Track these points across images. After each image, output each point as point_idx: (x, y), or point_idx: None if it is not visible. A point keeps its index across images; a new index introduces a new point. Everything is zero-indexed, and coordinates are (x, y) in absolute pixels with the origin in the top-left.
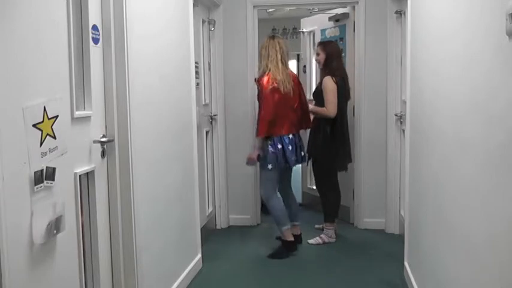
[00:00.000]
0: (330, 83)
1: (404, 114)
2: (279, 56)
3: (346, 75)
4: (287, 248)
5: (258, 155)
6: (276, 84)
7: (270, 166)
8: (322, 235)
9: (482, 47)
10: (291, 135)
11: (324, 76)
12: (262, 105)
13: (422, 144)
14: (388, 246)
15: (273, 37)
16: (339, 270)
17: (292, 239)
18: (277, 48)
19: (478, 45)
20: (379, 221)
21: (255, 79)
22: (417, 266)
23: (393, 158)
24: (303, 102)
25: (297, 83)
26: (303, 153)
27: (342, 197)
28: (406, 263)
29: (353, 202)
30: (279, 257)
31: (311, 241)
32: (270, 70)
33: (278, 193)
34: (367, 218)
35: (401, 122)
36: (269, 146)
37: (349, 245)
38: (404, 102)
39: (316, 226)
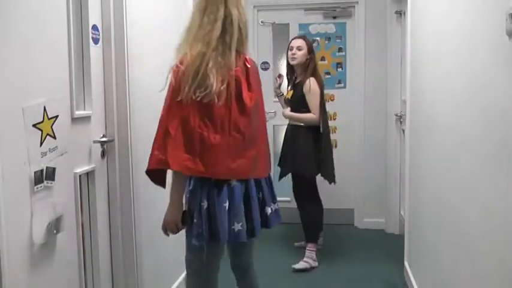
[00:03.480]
0: (315, 86)
1: (404, 114)
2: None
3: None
4: None
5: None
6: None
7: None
8: (306, 259)
9: (483, 47)
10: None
11: (304, 77)
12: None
13: (422, 144)
14: (388, 246)
15: None
16: (339, 270)
17: None
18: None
19: (478, 45)
20: (379, 221)
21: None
22: (417, 266)
23: (393, 158)
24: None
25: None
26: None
27: (343, 198)
28: (406, 263)
29: (353, 202)
30: None
31: (297, 266)
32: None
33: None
34: (367, 218)
35: (401, 122)
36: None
37: (349, 245)
38: (404, 102)
39: (296, 244)
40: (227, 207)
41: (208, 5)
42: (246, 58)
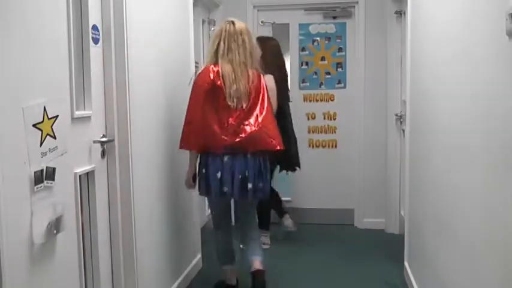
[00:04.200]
0: (271, 83)
1: (404, 114)
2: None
3: (286, 75)
4: None
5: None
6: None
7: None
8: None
9: (482, 47)
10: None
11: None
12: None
13: (422, 144)
14: (388, 246)
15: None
16: (339, 270)
17: (230, 282)
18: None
19: (478, 45)
20: (379, 221)
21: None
22: (417, 266)
23: (393, 158)
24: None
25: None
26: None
27: (343, 198)
28: (406, 263)
29: (353, 202)
30: None
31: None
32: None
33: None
34: (367, 218)
35: (401, 122)
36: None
37: (349, 245)
38: (404, 102)
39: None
40: (219, 176)
41: (229, 36)
42: (257, 74)
